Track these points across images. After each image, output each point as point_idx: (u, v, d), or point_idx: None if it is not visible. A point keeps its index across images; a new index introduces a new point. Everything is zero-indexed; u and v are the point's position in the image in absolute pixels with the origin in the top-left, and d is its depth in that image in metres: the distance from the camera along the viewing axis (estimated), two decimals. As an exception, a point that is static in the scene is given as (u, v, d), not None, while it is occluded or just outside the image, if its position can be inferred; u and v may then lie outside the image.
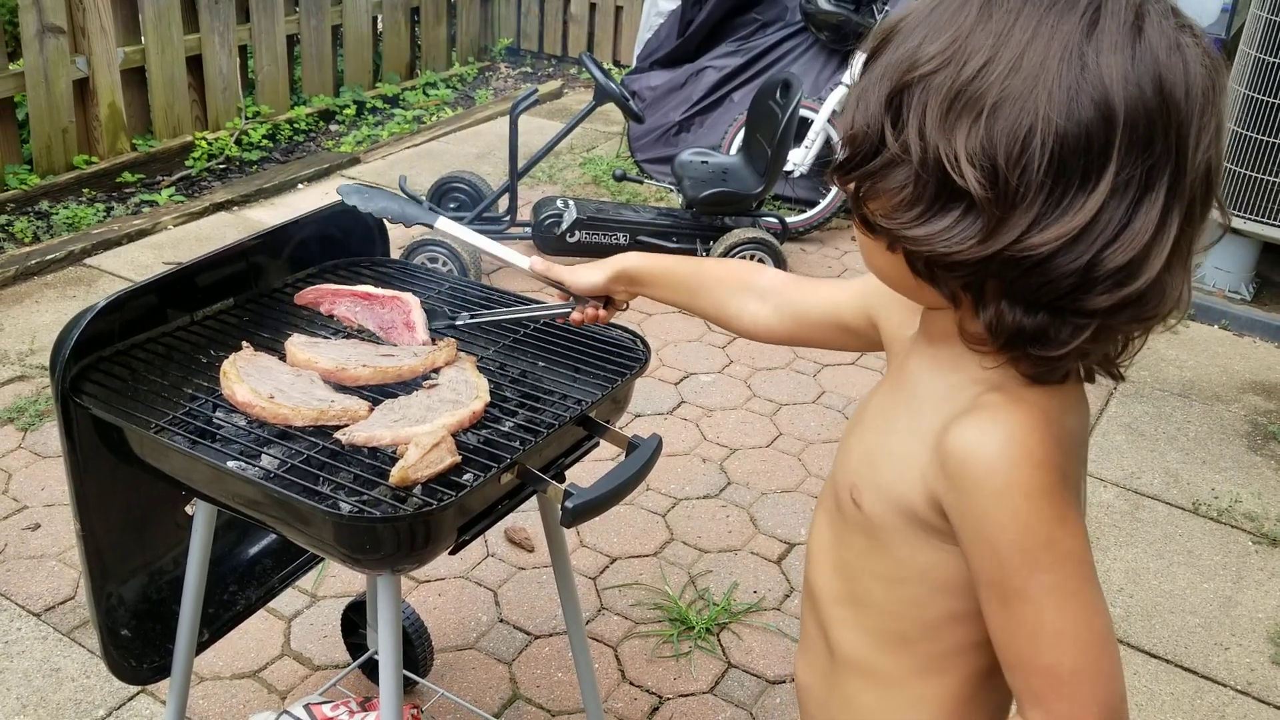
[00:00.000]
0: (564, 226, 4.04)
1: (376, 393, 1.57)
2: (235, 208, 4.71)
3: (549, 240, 4.08)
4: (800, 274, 4.15)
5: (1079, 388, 0.99)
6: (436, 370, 1.60)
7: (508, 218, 4.11)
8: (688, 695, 2.39)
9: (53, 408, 1.49)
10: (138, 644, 1.81)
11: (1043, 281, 0.84)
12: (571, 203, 4.10)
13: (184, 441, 1.48)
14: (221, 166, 5.17)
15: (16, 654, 2.37)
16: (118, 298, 1.56)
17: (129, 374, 1.61)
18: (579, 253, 4.12)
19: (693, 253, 4.13)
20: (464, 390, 1.54)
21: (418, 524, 1.34)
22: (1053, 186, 0.81)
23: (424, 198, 4.20)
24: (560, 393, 1.64)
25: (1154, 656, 2.56)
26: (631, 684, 2.40)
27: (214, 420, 1.54)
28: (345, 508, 1.36)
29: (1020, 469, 0.88)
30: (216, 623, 1.92)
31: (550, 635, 2.50)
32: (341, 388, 1.57)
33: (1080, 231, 0.81)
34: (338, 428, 1.47)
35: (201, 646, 1.87)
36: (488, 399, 1.54)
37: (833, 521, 1.12)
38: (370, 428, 1.44)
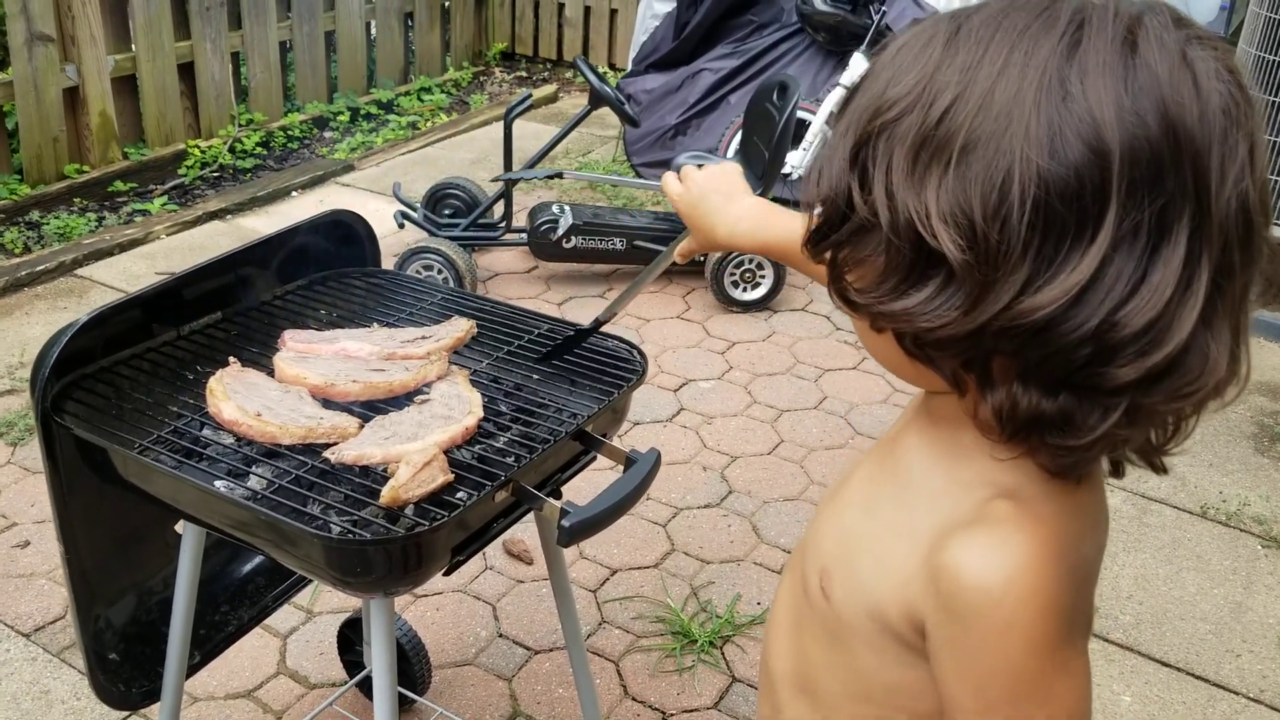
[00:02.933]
0: (560, 232, 3.99)
1: (366, 408, 1.53)
2: (229, 216, 4.66)
3: (544, 247, 4.03)
4: (796, 280, 4.12)
5: (1100, 493, 0.86)
6: (428, 385, 1.56)
7: (503, 224, 4.06)
8: (692, 711, 2.34)
9: (33, 403, 1.45)
10: (126, 668, 1.77)
11: (1049, 354, 0.71)
12: (567, 208, 4.06)
13: (169, 462, 1.43)
14: (215, 175, 5.13)
15: (5, 675, 2.32)
16: (99, 313, 1.51)
17: (113, 392, 1.56)
18: (575, 259, 4.07)
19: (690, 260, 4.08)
20: (456, 405, 1.50)
21: (410, 546, 1.29)
22: (1042, 241, 0.69)
23: (419, 204, 4.16)
24: (556, 406, 1.59)
25: (1165, 665, 2.51)
26: (634, 699, 2.35)
27: (200, 439, 1.49)
28: (335, 529, 1.31)
29: (1025, 609, 0.75)
30: (208, 644, 1.88)
31: (551, 650, 2.45)
32: (331, 404, 1.52)
33: (1081, 291, 0.69)
34: (327, 446, 1.42)
35: (192, 669, 1.82)
36: (481, 414, 1.49)
37: (797, 602, 0.99)
38: (360, 446, 1.39)
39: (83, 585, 1.68)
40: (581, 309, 4.01)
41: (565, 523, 1.35)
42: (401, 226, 3.94)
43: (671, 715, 2.33)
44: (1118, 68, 0.69)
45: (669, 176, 1.42)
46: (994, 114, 0.70)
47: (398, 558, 1.30)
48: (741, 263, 3.95)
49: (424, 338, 1.65)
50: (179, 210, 4.69)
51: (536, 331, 1.76)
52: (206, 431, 1.54)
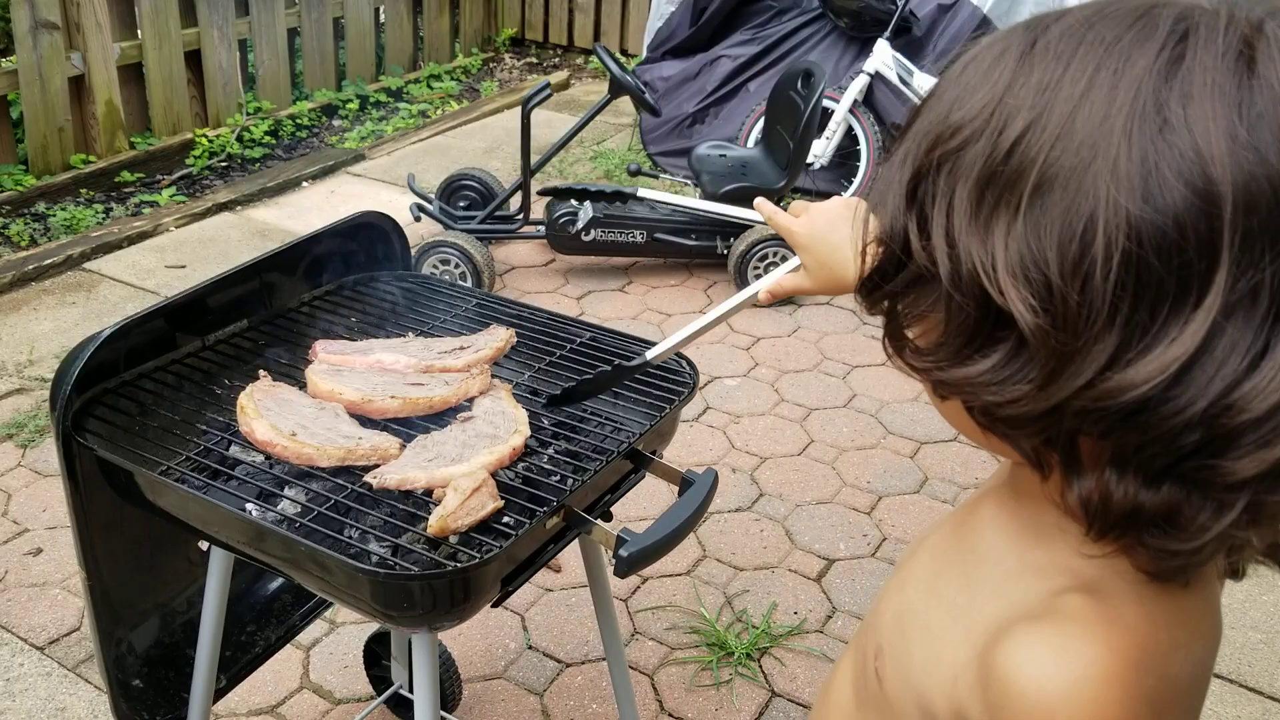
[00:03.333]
0: (579, 225, 3.90)
1: (403, 425, 1.44)
2: (238, 207, 4.56)
3: (563, 239, 3.94)
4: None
5: (1212, 598, 0.70)
6: (470, 400, 1.47)
7: (520, 216, 3.97)
8: (729, 726, 2.26)
9: (52, 422, 1.36)
10: (150, 694, 1.69)
11: (1147, 440, 0.58)
12: (587, 200, 3.96)
13: (197, 484, 1.35)
14: (223, 164, 5.03)
15: (19, 692, 2.24)
16: (123, 326, 1.42)
17: (136, 408, 1.47)
18: (595, 252, 3.98)
19: (712, 250, 3.99)
20: (502, 423, 1.41)
21: (458, 581, 1.21)
22: (1134, 304, 0.56)
23: (434, 196, 4.06)
24: (600, 419, 1.51)
25: (1216, 676, 2.43)
26: (670, 715, 2.27)
27: (227, 458, 1.41)
28: (374, 557, 1.23)
29: None
30: (234, 666, 1.79)
31: (582, 663, 2.37)
32: (366, 420, 1.43)
33: (1184, 367, 0.55)
34: (366, 468, 1.34)
35: (218, 694, 1.74)
36: (528, 432, 1.41)
37: (855, 681, 0.88)
38: (403, 469, 1.31)
39: (105, 608, 1.60)
40: (601, 303, 3.92)
41: (624, 552, 1.26)
42: (417, 219, 3.85)
43: (709, 731, 2.25)
44: (1230, 89, 0.56)
45: (775, 209, 1.24)
46: (1075, 145, 0.57)
47: (444, 593, 1.22)
48: (765, 255, 3.85)
49: (462, 348, 1.56)
50: (187, 201, 4.59)
51: (579, 340, 1.67)
52: (235, 449, 1.45)
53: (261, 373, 1.50)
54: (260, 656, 1.84)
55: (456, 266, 3.69)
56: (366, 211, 1.73)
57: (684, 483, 1.42)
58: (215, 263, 4.07)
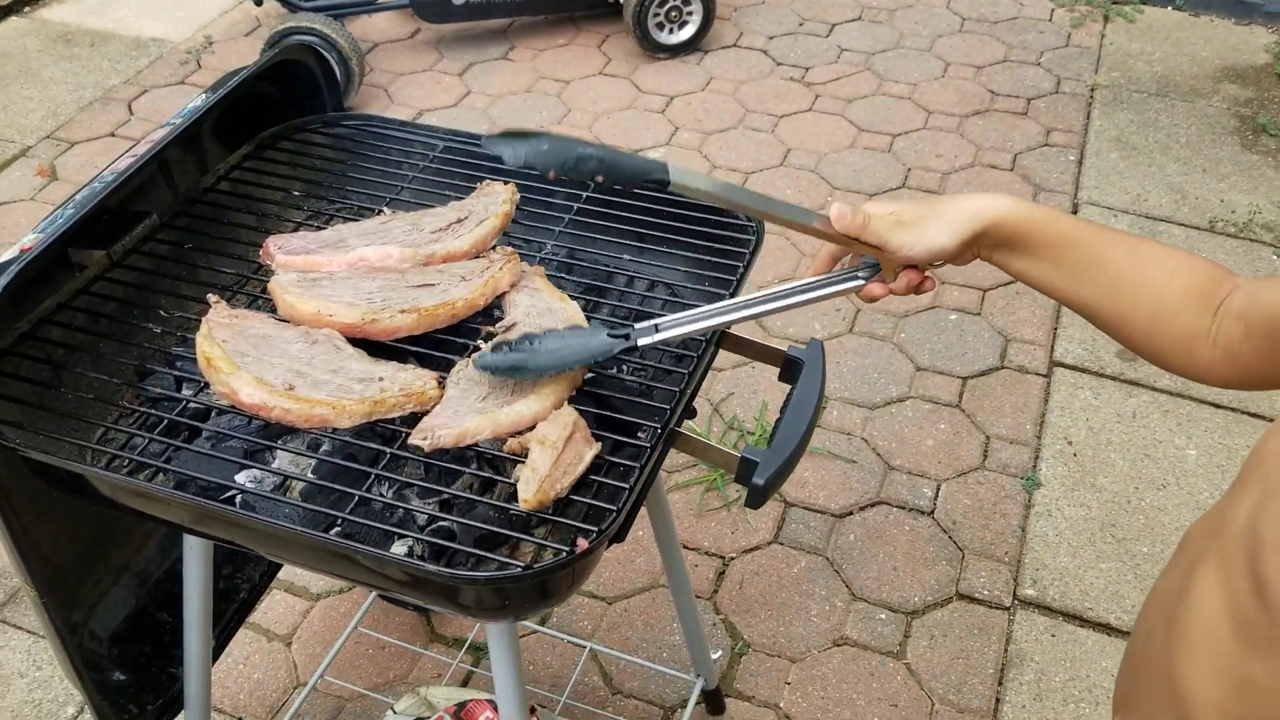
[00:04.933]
0: (450, -13, 3.37)
1: (420, 344, 1.10)
2: (27, 9, 3.81)
3: (431, 7, 3.41)
4: (722, 11, 3.56)
5: None
6: (500, 297, 1.13)
7: (378, -15, 3.41)
8: (752, 550, 2.09)
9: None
10: (132, 682, 1.39)
11: None
12: (451, -44, 3.41)
13: (181, 480, 1.01)
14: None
15: (-59, 658, 1.91)
16: (9, 284, 1.02)
17: (49, 371, 1.10)
18: (469, 16, 3.47)
19: (603, 1, 3.52)
20: (553, 326, 1.09)
21: (578, 565, 0.92)
22: None
23: None
24: (664, 286, 1.20)
25: (1219, 407, 2.37)
26: (687, 548, 2.09)
27: (185, 406, 1.07)
28: (467, 558, 0.94)
29: None
30: (221, 620, 1.50)
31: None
32: (374, 344, 1.09)
33: None
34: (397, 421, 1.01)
35: (214, 656, 1.45)
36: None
37: (1237, 612, 0.71)
38: (458, 419, 0.98)
39: (55, 596, 1.27)
40: (487, 77, 3.45)
41: (758, 480, 0.99)
42: (259, 3, 3.26)
43: (732, 559, 2.08)
44: None
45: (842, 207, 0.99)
46: None
47: (556, 583, 0.94)
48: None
49: (460, 220, 1.21)
50: (-41, 9, 3.81)
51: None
52: (186, 392, 1.11)
53: (211, 297, 1.12)
54: (248, 601, 1.54)
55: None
56: (287, 48, 1.30)
57: (788, 363, 1.14)
58: (20, 83, 3.41)
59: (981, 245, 0.97)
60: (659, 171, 0.97)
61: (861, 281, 1.03)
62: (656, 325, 1.02)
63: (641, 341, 1.01)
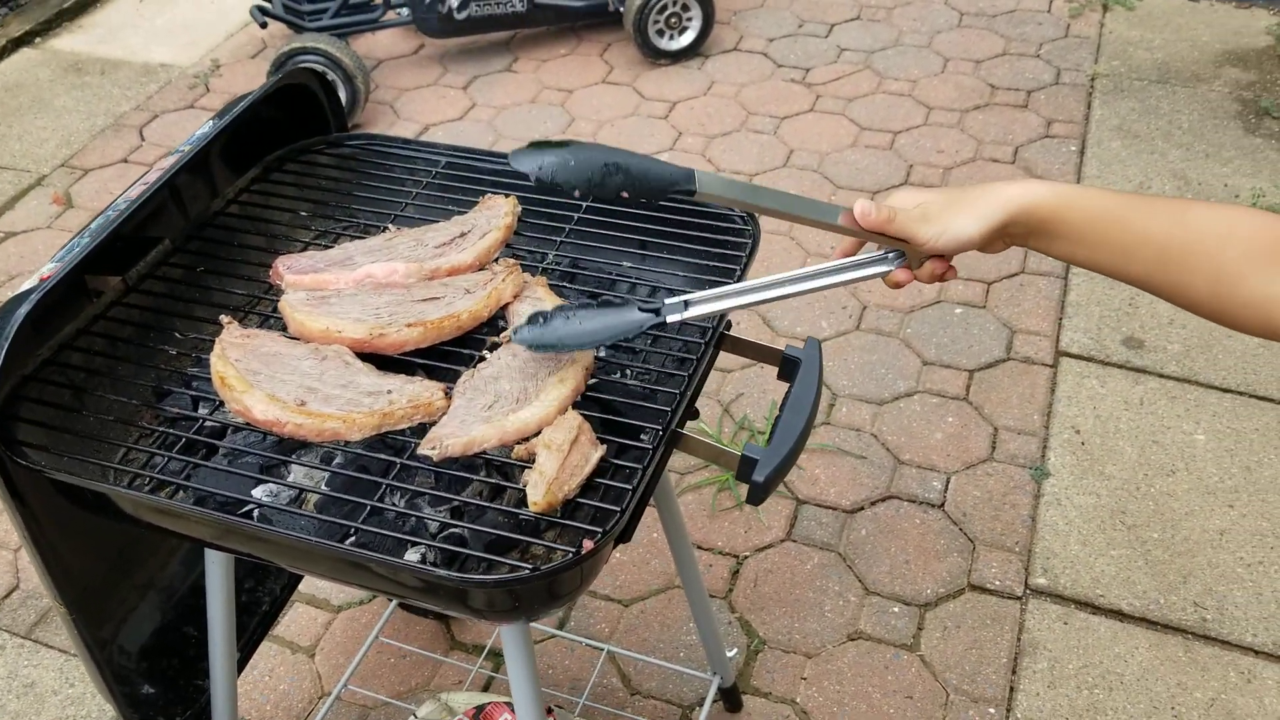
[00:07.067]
0: (453, 1, 3.41)
1: (427, 357, 1.14)
2: (38, 40, 3.88)
3: (433, 22, 3.45)
4: (722, 15, 3.60)
5: None
6: (504, 307, 1.17)
7: (381, 2, 3.44)
8: (765, 548, 2.12)
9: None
10: (161, 695, 1.43)
11: None
12: (451, -29, 3.45)
13: (201, 496, 1.05)
14: (-2, -12, 4.25)
15: (-26, 679, 1.95)
16: (30, 312, 1.06)
17: (71, 395, 1.13)
18: (471, 30, 3.51)
19: (604, 8, 3.56)
20: (556, 333, 1.12)
21: (586, 565, 0.96)
22: None
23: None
24: (665, 291, 1.23)
25: (1227, 390, 2.38)
26: (700, 548, 2.12)
27: (202, 425, 1.10)
28: (480, 563, 0.97)
29: None
30: (244, 633, 1.54)
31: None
32: (382, 358, 1.13)
33: None
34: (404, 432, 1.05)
35: (238, 668, 1.49)
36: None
37: None
38: (465, 428, 1.02)
39: (84, 614, 1.31)
40: (491, 90, 3.49)
41: (758, 477, 1.02)
42: (263, 25, 3.31)
43: (745, 557, 2.11)
44: None
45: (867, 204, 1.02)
46: None
47: (564, 583, 0.97)
48: (665, 6, 3.45)
49: (463, 234, 1.24)
50: (-28, 42, 3.88)
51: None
52: (203, 411, 1.14)
53: (224, 318, 1.16)
54: (270, 614, 1.58)
55: (329, 76, 3.20)
56: (290, 72, 1.34)
57: (785, 362, 1.17)
58: (33, 114, 3.47)
59: (1013, 234, 0.97)
60: (686, 181, 0.99)
61: (889, 267, 1.04)
62: (686, 302, 1.05)
63: (671, 318, 1.04)
